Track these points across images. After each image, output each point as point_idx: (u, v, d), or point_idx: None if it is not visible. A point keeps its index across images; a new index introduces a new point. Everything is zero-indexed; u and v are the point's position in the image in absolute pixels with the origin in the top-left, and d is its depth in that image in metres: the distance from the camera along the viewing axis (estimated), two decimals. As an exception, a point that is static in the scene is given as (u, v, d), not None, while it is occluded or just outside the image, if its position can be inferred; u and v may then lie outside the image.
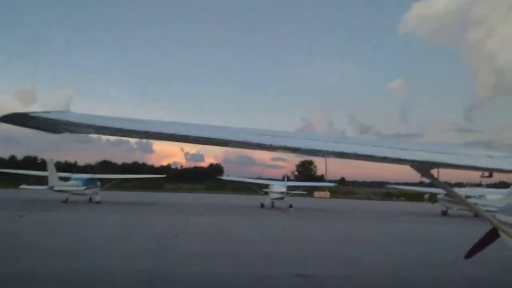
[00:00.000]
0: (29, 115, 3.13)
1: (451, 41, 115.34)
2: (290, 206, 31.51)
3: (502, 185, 29.43)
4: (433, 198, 37.86)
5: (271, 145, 3.30)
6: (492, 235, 6.67)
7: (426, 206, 41.10)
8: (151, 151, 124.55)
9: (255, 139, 3.39)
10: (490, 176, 4.55)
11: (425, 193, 51.91)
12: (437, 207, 33.45)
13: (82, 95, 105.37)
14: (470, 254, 7.10)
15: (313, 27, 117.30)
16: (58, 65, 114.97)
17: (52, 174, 28.01)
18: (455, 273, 9.62)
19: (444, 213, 31.39)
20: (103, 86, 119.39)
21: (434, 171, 4.67)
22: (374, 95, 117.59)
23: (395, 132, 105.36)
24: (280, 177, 50.80)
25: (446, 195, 30.58)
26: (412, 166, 4.38)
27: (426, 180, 4.84)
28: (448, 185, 5.56)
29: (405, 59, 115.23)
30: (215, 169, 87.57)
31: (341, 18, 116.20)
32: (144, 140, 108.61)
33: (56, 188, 27.92)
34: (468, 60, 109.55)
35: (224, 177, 48.99)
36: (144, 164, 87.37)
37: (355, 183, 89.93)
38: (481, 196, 27.98)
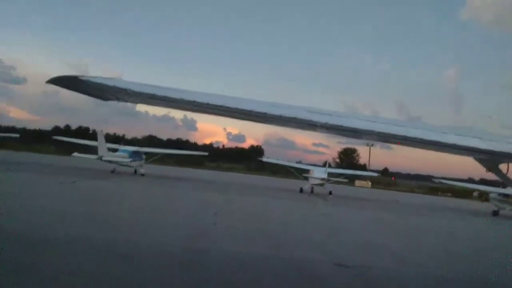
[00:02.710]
0: (79, 78, 3.09)
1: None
2: (330, 193, 31.01)
3: None
4: (483, 197, 35.72)
5: (328, 124, 3.04)
6: None
7: (475, 204, 38.92)
8: (195, 128, 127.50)
9: (323, 119, 3.13)
10: None
11: (475, 190, 49.18)
12: (488, 206, 31.54)
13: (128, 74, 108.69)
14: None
15: (367, 9, 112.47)
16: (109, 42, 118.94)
17: (101, 144, 29.31)
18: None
19: (496, 213, 29.52)
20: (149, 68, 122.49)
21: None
22: (425, 84, 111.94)
23: (446, 124, 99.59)
24: (321, 163, 50.16)
25: (505, 195, 28.66)
26: (477, 158, 3.95)
27: (475, 177, 4.33)
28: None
29: (461, 47, 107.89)
30: (256, 151, 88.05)
31: (398, 1, 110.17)
32: (189, 118, 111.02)
33: (105, 158, 29.23)
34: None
35: (265, 159, 48.95)
36: (187, 141, 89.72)
37: (398, 175, 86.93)
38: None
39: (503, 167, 4.10)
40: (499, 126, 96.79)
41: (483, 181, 48.01)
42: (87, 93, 3.46)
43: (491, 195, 31.68)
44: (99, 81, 3.18)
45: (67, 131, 72.91)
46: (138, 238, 8.95)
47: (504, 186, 28.78)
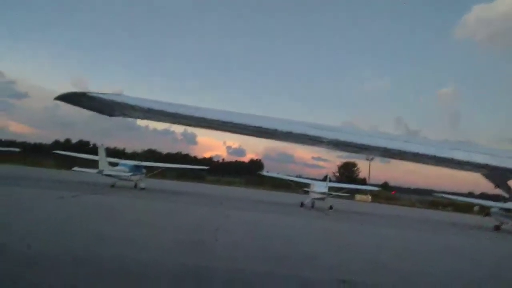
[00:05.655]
0: (87, 94, 3.09)
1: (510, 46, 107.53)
2: (331, 207, 30.80)
3: None
4: (484, 211, 35.50)
5: (335, 140, 3.02)
6: None
7: (475, 218, 38.66)
8: (195, 142, 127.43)
9: (322, 134, 3.13)
10: None
11: (476, 204, 48.92)
12: (489, 221, 31.32)
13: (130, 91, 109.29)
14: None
15: (365, 28, 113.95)
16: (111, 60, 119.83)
17: (102, 159, 29.27)
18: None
19: (497, 228, 29.31)
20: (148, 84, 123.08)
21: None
22: (423, 99, 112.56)
23: (443, 139, 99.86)
24: (320, 177, 50.00)
25: (506, 210, 28.50)
26: (485, 175, 3.92)
27: (475, 191, 4.30)
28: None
29: (458, 64, 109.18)
30: (255, 165, 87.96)
31: (395, 19, 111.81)
32: (189, 132, 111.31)
33: (105, 173, 29.14)
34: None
35: (264, 173, 48.81)
36: (187, 155, 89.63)
37: (398, 189, 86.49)
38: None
39: (511, 183, 4.08)
40: (494, 141, 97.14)
41: (483, 195, 47.83)
42: (95, 109, 3.45)
43: (492, 210, 31.48)
44: (107, 97, 3.17)
45: (67, 145, 72.88)
46: (137, 255, 8.84)
47: (505, 201, 28.65)
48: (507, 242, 22.52)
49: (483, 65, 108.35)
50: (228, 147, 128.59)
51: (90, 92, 3.07)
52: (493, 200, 33.55)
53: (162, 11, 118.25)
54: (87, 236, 10.31)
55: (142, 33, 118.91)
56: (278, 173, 50.12)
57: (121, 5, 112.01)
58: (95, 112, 3.89)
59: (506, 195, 4.28)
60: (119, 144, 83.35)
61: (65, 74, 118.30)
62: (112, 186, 30.36)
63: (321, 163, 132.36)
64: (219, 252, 10.30)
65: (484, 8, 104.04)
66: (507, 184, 3.86)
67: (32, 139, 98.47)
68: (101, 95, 3.08)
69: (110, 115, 3.97)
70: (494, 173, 3.69)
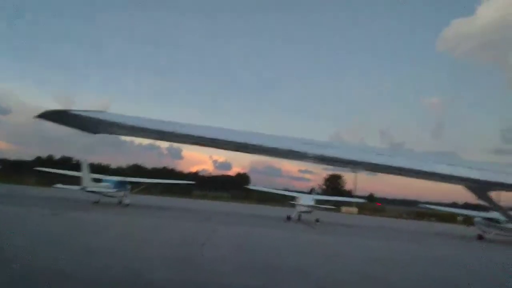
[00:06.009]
0: (69, 112, 3.04)
1: (491, 59, 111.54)
2: (317, 220, 30.80)
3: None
4: (468, 221, 36.09)
5: (316, 155, 3.05)
6: None
7: (460, 228, 39.20)
8: (180, 157, 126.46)
9: (300, 148, 3.15)
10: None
11: (459, 214, 49.73)
12: (473, 231, 31.80)
13: (116, 103, 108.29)
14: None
15: (350, 41, 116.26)
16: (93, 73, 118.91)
17: (85, 175, 28.74)
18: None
19: (480, 237, 29.76)
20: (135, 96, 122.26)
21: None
22: (407, 111, 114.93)
23: (427, 150, 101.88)
24: (307, 190, 50.12)
25: (489, 219, 28.99)
26: (467, 186, 3.99)
27: (459, 201, 4.40)
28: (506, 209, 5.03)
29: (441, 76, 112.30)
30: (242, 178, 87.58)
31: (378, 33, 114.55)
32: (175, 146, 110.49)
33: (88, 189, 28.59)
34: (508, 80, 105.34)
35: (251, 187, 48.63)
36: (173, 170, 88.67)
37: (384, 200, 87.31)
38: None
39: (493, 194, 4.17)
40: (477, 150, 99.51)
41: (467, 205, 48.70)
42: (77, 127, 3.40)
43: (476, 219, 32.00)
44: (90, 115, 3.13)
45: (50, 161, 71.35)
46: (120, 273, 8.63)
47: (488, 211, 29.20)
48: (489, 251, 22.83)
49: (465, 77, 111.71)
50: (215, 161, 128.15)
51: (72, 110, 3.03)
52: (476, 210, 34.16)
53: (146, 26, 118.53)
54: (66, 255, 10.03)
55: (128, 50, 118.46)
56: (264, 187, 49.97)
57: (105, 21, 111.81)
58: (78, 130, 3.84)
59: (487, 205, 4.37)
60: (103, 160, 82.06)
61: (49, 90, 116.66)
62: (96, 202, 29.79)
63: (307, 175, 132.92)
64: (205, 267, 10.14)
65: (463, 22, 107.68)
66: (488, 195, 3.94)
67: (13, 156, 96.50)
68: (83, 113, 3.04)
69: (94, 132, 3.92)
70: (475, 186, 3.77)
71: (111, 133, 3.83)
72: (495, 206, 4.39)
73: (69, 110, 3.13)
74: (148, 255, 11.28)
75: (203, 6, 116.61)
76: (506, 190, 3.78)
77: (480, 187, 3.76)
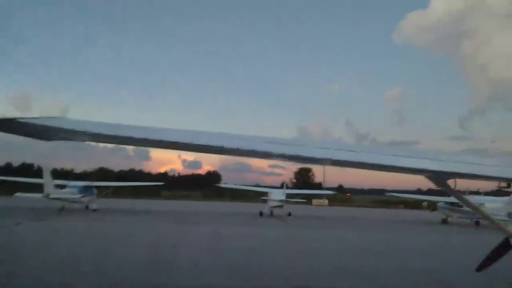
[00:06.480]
0: (16, 120, 2.85)
1: (446, 50, 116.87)
2: (289, 214, 31.17)
3: (500, 193, 29.05)
4: (432, 206, 37.61)
5: (280, 153, 3.04)
6: (505, 246, 6.35)
7: (425, 214, 40.81)
8: (148, 158, 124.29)
9: (263, 148, 3.13)
10: (509, 186, 4.30)
11: (424, 201, 51.76)
12: (437, 215, 33.21)
13: (79, 102, 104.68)
14: (481, 266, 6.77)
15: (310, 35, 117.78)
16: (53, 71, 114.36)
17: (48, 181, 27.58)
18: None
19: (444, 221, 31.15)
20: (99, 93, 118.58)
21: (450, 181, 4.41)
22: (370, 103, 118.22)
23: (391, 139, 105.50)
24: (278, 184, 50.54)
25: (451, 203, 30.27)
26: (427, 176, 4.12)
27: (423, 188, 4.59)
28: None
29: (401, 68, 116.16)
30: (213, 177, 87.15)
31: (338, 26, 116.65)
32: (142, 148, 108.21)
33: (52, 196, 27.49)
34: (463, 70, 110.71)
35: (222, 185, 48.48)
36: (141, 171, 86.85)
37: (353, 191, 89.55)
38: (481, 205, 27.75)
39: (451, 182, 4.35)
40: (437, 138, 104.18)
41: (430, 192, 50.79)
42: (27, 135, 3.20)
43: (439, 204, 33.44)
44: (40, 122, 2.95)
45: (8, 169, 67.99)
46: (90, 281, 8.36)
47: (449, 196, 30.58)
48: (452, 234, 23.93)
49: (423, 68, 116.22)
50: (184, 161, 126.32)
51: (20, 118, 2.84)
52: (439, 196, 35.71)
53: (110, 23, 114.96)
54: (33, 267, 9.59)
55: (88, 48, 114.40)
56: (235, 184, 49.97)
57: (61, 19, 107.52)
58: (30, 138, 3.64)
59: (447, 193, 4.55)
60: (67, 165, 78.98)
61: (4, 94, 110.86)
62: (61, 209, 28.68)
63: (278, 170, 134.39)
64: (177, 268, 10.00)
65: (418, 14, 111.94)
66: (446, 183, 4.09)
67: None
68: (31, 121, 2.85)
69: (47, 139, 3.71)
70: (434, 175, 3.90)
71: (66, 139, 3.65)
72: (453, 193, 4.58)
73: (16, 118, 2.94)
74: (121, 259, 10.98)
75: None
76: (462, 178, 3.95)
77: (438, 176, 3.89)
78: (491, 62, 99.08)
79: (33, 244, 13.78)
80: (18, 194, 29.50)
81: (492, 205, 24.15)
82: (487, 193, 32.72)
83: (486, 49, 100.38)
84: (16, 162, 76.46)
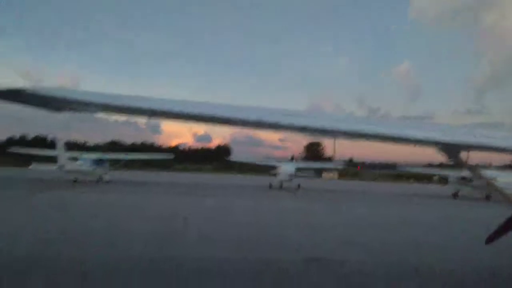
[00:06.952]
0: (26, 91, 2.86)
1: (462, 24, 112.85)
2: (298, 186, 31.45)
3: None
4: (443, 180, 37.52)
5: (289, 125, 3.00)
6: None
7: (436, 187, 40.73)
8: (159, 131, 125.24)
9: (272, 119, 3.09)
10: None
11: (435, 175, 51.53)
12: (447, 189, 33.13)
13: (92, 76, 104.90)
14: (491, 238, 6.78)
15: (321, 10, 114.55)
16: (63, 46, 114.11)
17: (61, 154, 28.11)
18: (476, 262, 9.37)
19: (455, 195, 31.08)
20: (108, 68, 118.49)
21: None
22: (382, 78, 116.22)
23: (403, 114, 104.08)
24: (288, 158, 50.64)
25: (462, 178, 30.18)
26: (440, 149, 4.07)
27: (434, 162, 4.53)
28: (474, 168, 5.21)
29: (414, 42, 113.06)
30: (223, 150, 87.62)
31: (351, 2, 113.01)
32: (153, 121, 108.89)
33: (66, 168, 28.08)
34: (479, 43, 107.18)
35: (232, 159, 48.77)
36: (152, 145, 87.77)
37: (363, 165, 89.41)
38: (493, 178, 27.51)
39: (463, 155, 4.28)
40: (450, 112, 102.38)
41: (442, 165, 50.45)
42: (37, 105, 3.21)
43: (450, 179, 33.36)
44: (50, 93, 2.96)
45: (23, 141, 69.31)
46: (107, 250, 8.62)
47: (461, 170, 30.37)
48: (463, 207, 23.90)
49: (437, 43, 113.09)
50: (194, 134, 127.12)
51: (29, 88, 2.85)
52: (450, 169, 35.50)
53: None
54: (56, 236, 9.91)
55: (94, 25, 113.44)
56: (246, 158, 50.14)
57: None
58: (40, 109, 3.66)
59: (459, 166, 4.49)
60: (79, 138, 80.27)
61: (14, 66, 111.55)
62: (75, 181, 29.38)
63: (288, 144, 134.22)
64: (188, 240, 10.23)
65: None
66: (459, 156, 4.03)
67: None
68: (42, 91, 2.86)
69: (57, 110, 3.73)
70: (446, 148, 3.84)
71: (76, 110, 3.66)
72: (465, 165, 4.52)
73: (26, 88, 2.94)
74: (134, 230, 11.27)
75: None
76: (474, 150, 3.89)
77: (450, 148, 3.84)
78: (507, 35, 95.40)
79: (46, 213, 14.19)
80: (33, 165, 30.15)
81: (506, 179, 23.90)
82: (499, 167, 32.48)
83: (504, 22, 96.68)
84: (30, 135, 77.95)
